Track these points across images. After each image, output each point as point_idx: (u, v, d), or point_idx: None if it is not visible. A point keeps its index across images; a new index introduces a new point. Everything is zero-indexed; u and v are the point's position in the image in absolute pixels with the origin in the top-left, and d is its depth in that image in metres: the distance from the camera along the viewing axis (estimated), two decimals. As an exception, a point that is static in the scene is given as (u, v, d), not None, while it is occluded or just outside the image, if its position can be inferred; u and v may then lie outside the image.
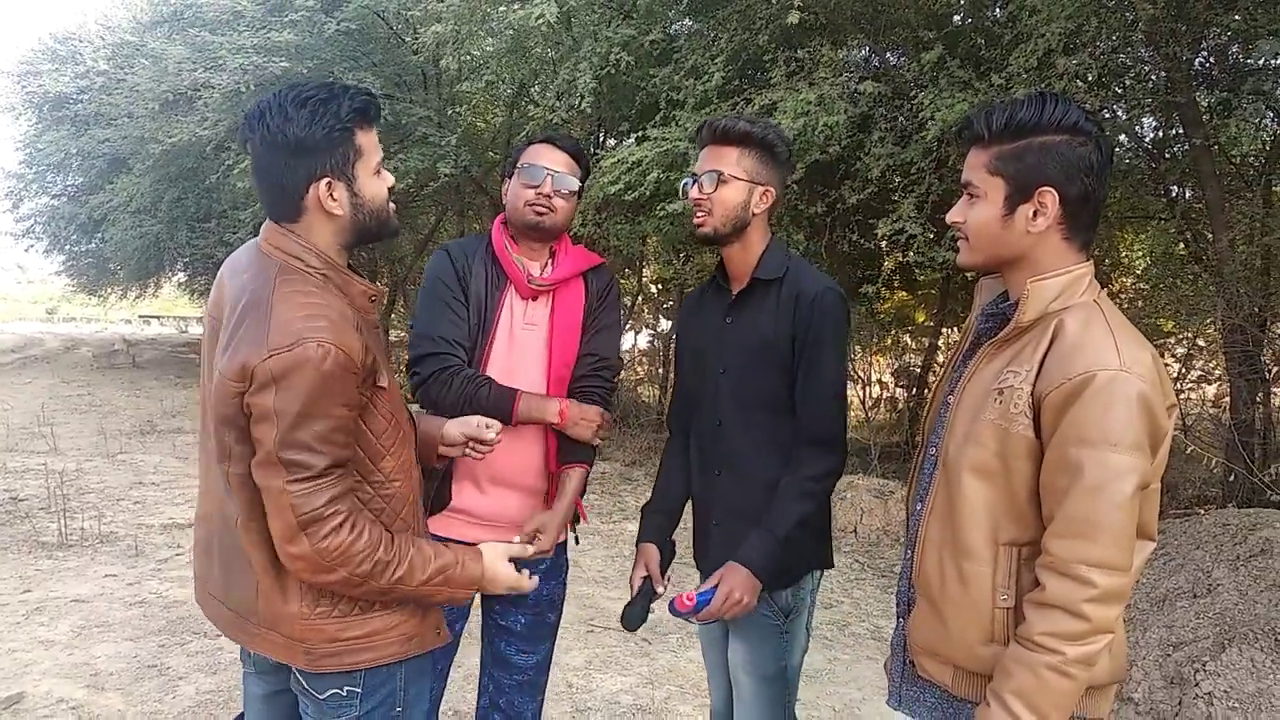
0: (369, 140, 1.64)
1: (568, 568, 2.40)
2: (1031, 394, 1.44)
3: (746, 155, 2.04)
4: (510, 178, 2.27)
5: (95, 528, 5.74)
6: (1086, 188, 1.48)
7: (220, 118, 9.54)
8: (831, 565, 2.20)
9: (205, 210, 13.26)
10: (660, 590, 2.12)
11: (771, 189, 2.06)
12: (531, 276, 2.23)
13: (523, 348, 2.20)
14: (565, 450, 2.21)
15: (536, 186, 2.19)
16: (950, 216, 1.62)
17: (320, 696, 1.65)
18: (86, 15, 17.16)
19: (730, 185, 2.02)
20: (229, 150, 9.86)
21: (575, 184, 2.24)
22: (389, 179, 1.70)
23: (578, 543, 2.42)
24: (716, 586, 1.89)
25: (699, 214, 2.05)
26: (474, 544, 2.03)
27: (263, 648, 1.63)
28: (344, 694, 1.65)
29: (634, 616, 2.07)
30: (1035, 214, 1.49)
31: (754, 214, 2.05)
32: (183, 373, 16.45)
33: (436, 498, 2.13)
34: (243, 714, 1.89)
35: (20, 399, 12.23)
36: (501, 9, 6.84)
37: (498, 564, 1.76)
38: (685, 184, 2.10)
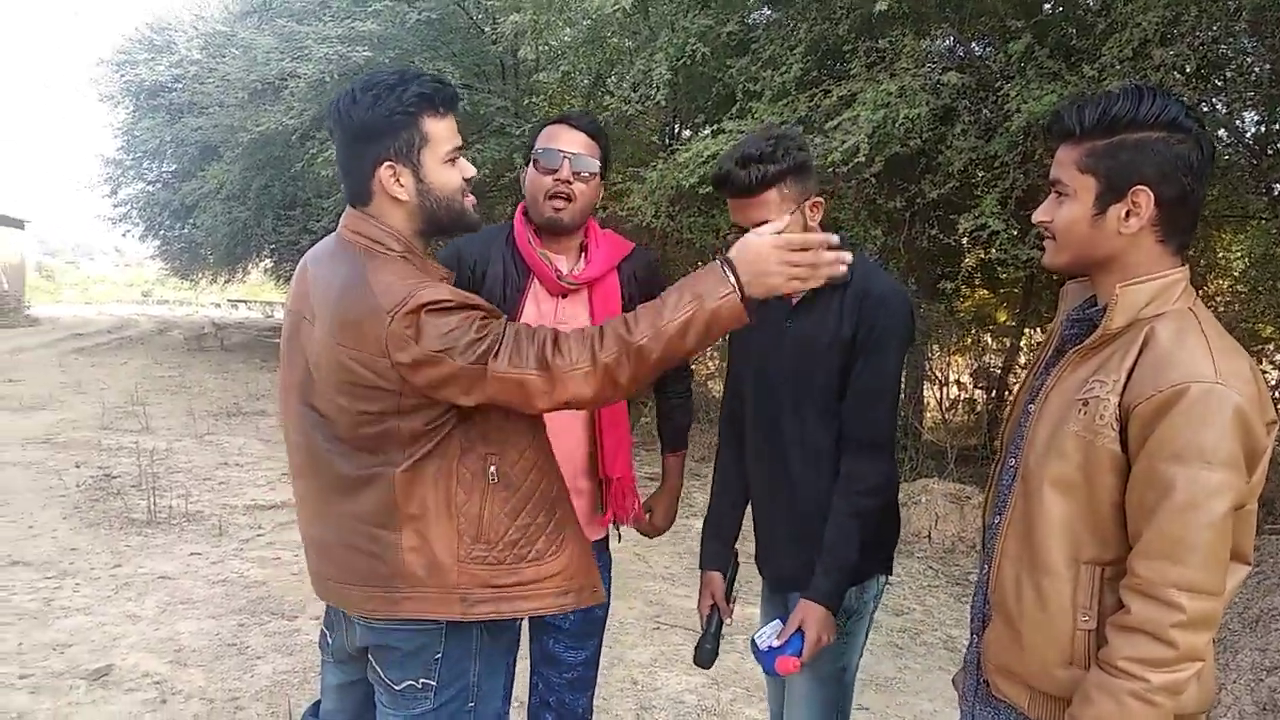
0: (439, 127, 1.65)
1: (611, 563, 2.38)
2: (1119, 405, 1.36)
3: (782, 188, 1.89)
4: (529, 166, 2.18)
5: (183, 506, 5.97)
6: (1184, 188, 1.39)
7: (305, 107, 9.79)
8: (890, 571, 2.16)
9: (290, 198, 13.64)
10: (729, 620, 2.15)
11: (817, 197, 1.96)
12: (560, 273, 2.13)
13: None
14: (666, 438, 2.38)
15: (555, 171, 2.10)
16: (1037, 216, 1.54)
17: (396, 687, 1.69)
18: (180, 5, 17.68)
19: (786, 223, 1.85)
20: (314, 139, 10.10)
21: (595, 165, 2.14)
22: (467, 169, 1.71)
23: (620, 539, 2.40)
24: (799, 632, 1.89)
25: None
26: None
27: (412, 609, 1.63)
28: (419, 686, 1.69)
29: (706, 655, 2.09)
30: (1128, 214, 1.41)
31: (809, 227, 1.93)
32: (268, 356, 16.97)
33: None
34: (319, 701, 1.94)
35: (116, 379, 12.78)
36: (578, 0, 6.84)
37: (750, 244, 1.56)
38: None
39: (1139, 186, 1.40)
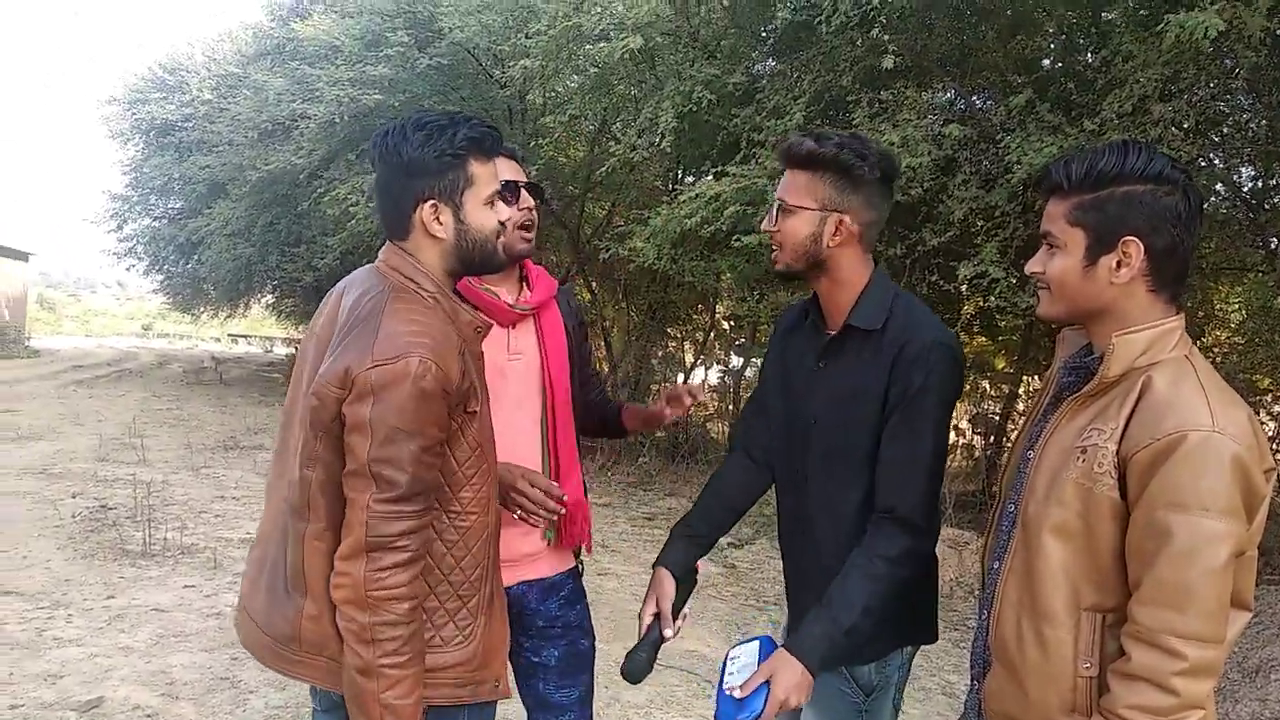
0: (484, 171, 1.67)
1: (585, 594, 2.27)
2: (1117, 453, 1.37)
3: (818, 180, 1.77)
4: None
5: (177, 539, 5.93)
6: (1173, 238, 1.41)
7: (315, 147, 9.92)
8: (933, 639, 1.98)
9: (296, 235, 13.74)
10: (670, 634, 1.89)
11: (848, 216, 1.77)
12: (509, 303, 2.09)
13: (516, 379, 2.09)
14: (612, 411, 2.35)
15: (524, 205, 2.05)
16: (1029, 267, 1.55)
17: None
18: (194, 47, 17.93)
19: (796, 216, 1.79)
20: (321, 178, 10.22)
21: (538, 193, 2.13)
22: (505, 212, 1.73)
23: (582, 573, 2.28)
24: (767, 684, 1.65)
25: (774, 248, 1.84)
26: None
27: (304, 674, 1.60)
28: None
29: (637, 668, 1.84)
30: (1119, 265, 1.43)
31: (828, 246, 1.78)
32: (266, 391, 16.97)
33: None
34: None
35: (114, 410, 12.77)
36: (587, 47, 6.97)
37: None
38: (767, 210, 1.87)
39: (1128, 237, 1.42)
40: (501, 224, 1.72)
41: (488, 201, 1.69)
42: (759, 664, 1.71)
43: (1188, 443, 1.30)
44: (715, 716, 1.71)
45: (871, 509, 1.78)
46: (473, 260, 1.70)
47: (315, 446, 1.54)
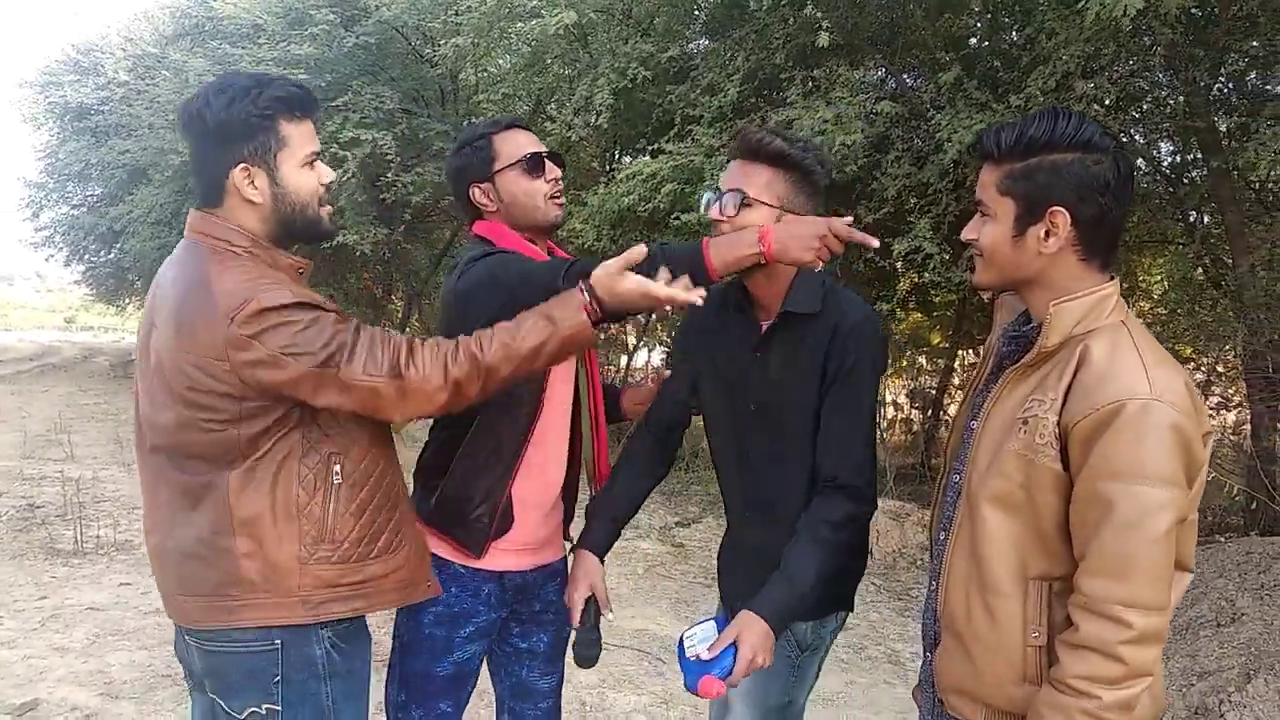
0: (297, 131, 1.64)
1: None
2: (1058, 424, 1.38)
3: (779, 179, 1.83)
4: (488, 180, 2.04)
5: (111, 536, 5.77)
6: (1101, 207, 1.41)
7: (240, 130, 9.62)
8: (852, 608, 2.06)
9: (223, 222, 13.36)
10: (608, 614, 1.95)
11: (798, 215, 1.83)
12: None
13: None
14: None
15: (551, 175, 2.05)
16: (965, 233, 1.56)
17: (239, 716, 1.63)
18: (109, 27, 17.29)
19: (755, 210, 1.81)
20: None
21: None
22: (325, 174, 1.70)
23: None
24: (734, 645, 1.70)
25: (723, 233, 1.82)
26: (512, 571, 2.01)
27: (250, 617, 1.59)
28: (263, 713, 1.62)
29: (589, 650, 1.91)
30: (1047, 234, 1.43)
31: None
32: (197, 383, 16.48)
33: (501, 521, 1.99)
34: None
35: (38, 407, 12.33)
36: (519, 24, 6.89)
37: (616, 280, 1.64)
38: (707, 199, 1.86)
39: (1055, 207, 1.42)
40: (324, 186, 1.70)
41: (306, 163, 1.66)
42: (718, 634, 1.75)
43: (1126, 411, 1.31)
44: (685, 681, 1.74)
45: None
46: (294, 224, 1.67)
47: (233, 411, 1.54)
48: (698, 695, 1.72)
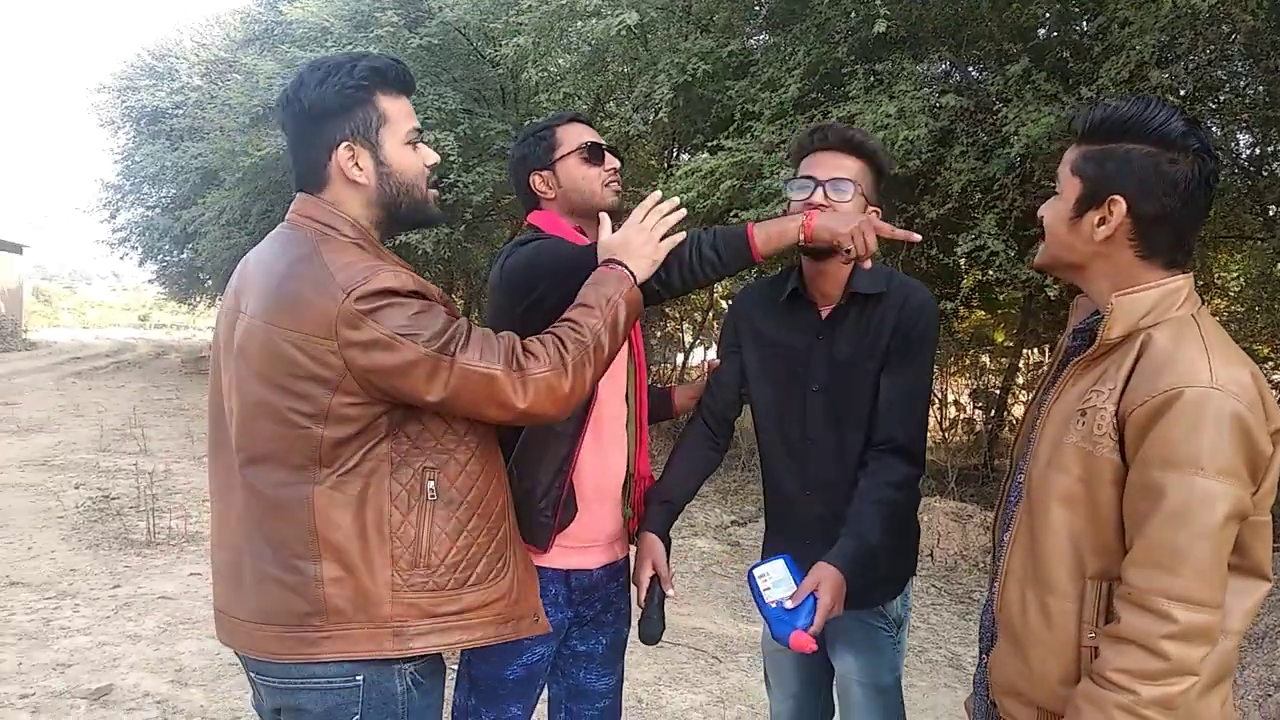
0: (396, 107, 1.57)
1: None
2: (1116, 413, 1.33)
3: (867, 172, 1.96)
4: (549, 169, 2.07)
5: (182, 527, 5.94)
6: (1164, 206, 1.37)
7: (307, 132, 9.82)
8: (915, 573, 2.17)
9: (290, 222, 13.65)
10: (670, 591, 1.99)
11: (879, 211, 1.97)
12: None
13: None
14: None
15: (610, 165, 2.08)
16: (1040, 210, 1.54)
17: None
18: (182, 32, 17.81)
19: (856, 200, 1.92)
20: (314, 164, 10.14)
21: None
22: (429, 155, 1.63)
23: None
24: (813, 595, 1.77)
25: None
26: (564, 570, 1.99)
27: (333, 650, 1.46)
28: None
29: (653, 629, 1.94)
30: (1101, 221, 1.41)
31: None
32: (265, 379, 16.89)
33: (564, 513, 1.98)
34: None
35: (114, 402, 12.76)
36: (579, 23, 6.91)
37: (619, 241, 1.73)
38: (793, 185, 1.95)
39: (1115, 195, 1.39)
40: (429, 167, 1.63)
41: (408, 141, 1.59)
42: (792, 577, 1.82)
43: (1184, 399, 1.26)
44: (772, 631, 1.79)
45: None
46: (399, 207, 1.59)
47: (324, 403, 1.42)
48: (788, 647, 1.76)
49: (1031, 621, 1.43)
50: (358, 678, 1.48)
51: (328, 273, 1.42)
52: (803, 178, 1.95)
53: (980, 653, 1.63)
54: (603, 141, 2.11)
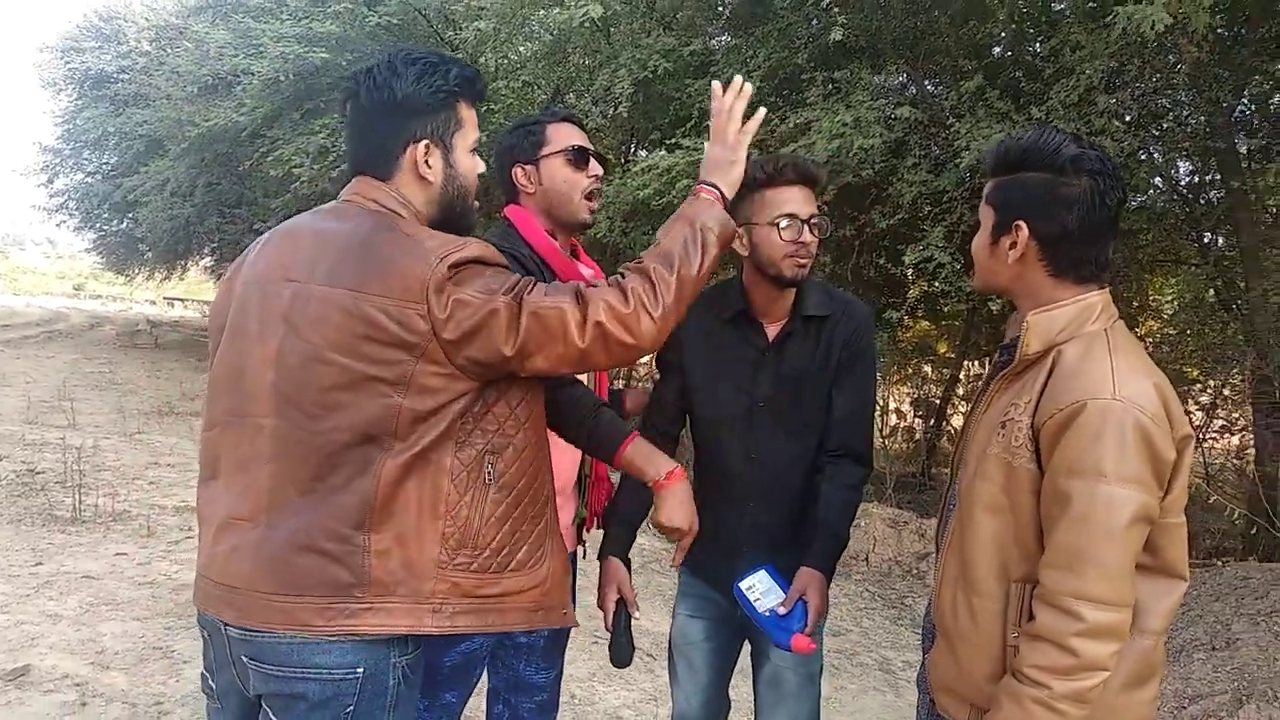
0: (471, 116, 1.64)
1: (576, 578, 2.31)
2: (1031, 425, 1.43)
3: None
4: (533, 163, 2.08)
5: (109, 505, 5.78)
6: (1063, 226, 1.47)
7: (258, 104, 9.63)
8: None
9: (237, 196, 13.38)
10: (636, 614, 2.06)
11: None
12: (587, 275, 2.09)
13: None
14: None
15: (593, 172, 2.09)
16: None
17: None
18: (133, -4, 17.32)
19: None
20: (264, 137, 9.95)
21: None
22: (479, 165, 1.68)
23: (585, 556, 2.32)
24: (801, 601, 1.90)
25: (802, 258, 1.99)
26: None
27: (374, 623, 1.46)
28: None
29: (624, 652, 2.01)
30: (1012, 245, 1.52)
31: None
32: (204, 355, 16.32)
33: None
34: None
35: (43, 373, 12.37)
36: (542, 12, 6.88)
37: (714, 152, 1.73)
38: (786, 224, 1.98)
39: (1019, 220, 1.50)
40: (480, 176, 1.68)
41: (473, 149, 1.65)
42: (777, 585, 1.94)
43: (1087, 411, 1.35)
44: (772, 639, 1.90)
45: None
46: (454, 211, 1.64)
47: (407, 370, 1.43)
48: (790, 651, 1.87)
49: (961, 622, 1.52)
50: (359, 670, 1.49)
51: (417, 241, 1.47)
52: (786, 214, 1.99)
53: (923, 652, 1.73)
54: (591, 147, 2.11)
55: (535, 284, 1.49)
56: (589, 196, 2.09)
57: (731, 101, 1.70)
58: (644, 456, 1.82)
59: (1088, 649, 1.33)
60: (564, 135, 2.10)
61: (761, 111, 1.74)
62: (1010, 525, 1.46)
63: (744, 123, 1.72)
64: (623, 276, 1.52)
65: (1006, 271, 1.55)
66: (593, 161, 2.10)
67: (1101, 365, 1.40)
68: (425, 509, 1.48)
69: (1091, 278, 1.52)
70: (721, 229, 1.61)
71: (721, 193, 1.67)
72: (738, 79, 1.73)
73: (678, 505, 1.80)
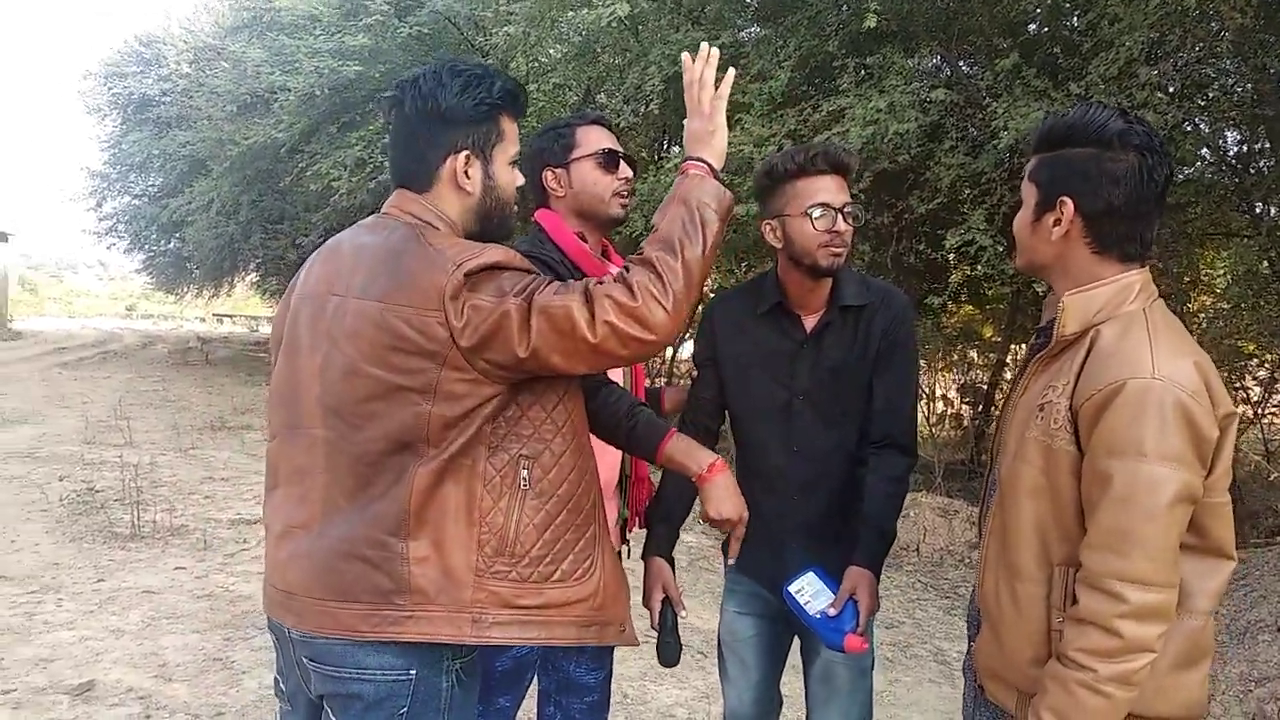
0: (512, 130, 1.65)
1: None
2: (1070, 406, 1.42)
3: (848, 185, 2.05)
4: (563, 167, 2.10)
5: (167, 520, 5.91)
6: (1110, 202, 1.46)
7: (295, 120, 9.79)
8: None
9: (279, 212, 13.61)
10: (683, 613, 2.05)
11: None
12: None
13: None
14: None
15: (623, 174, 2.10)
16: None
17: None
18: (170, 19, 17.71)
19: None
20: (302, 153, 10.10)
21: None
22: (518, 177, 1.69)
23: (629, 555, 2.30)
24: (852, 601, 1.90)
25: (837, 247, 1.98)
26: None
27: (416, 630, 1.47)
28: None
29: (672, 652, 2.00)
30: (1055, 222, 1.50)
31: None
32: (254, 370, 16.88)
33: None
34: None
35: (99, 393, 12.68)
36: (570, 13, 6.88)
37: (694, 126, 1.69)
38: (819, 214, 1.96)
39: (1064, 197, 1.48)
40: (519, 189, 1.69)
41: (512, 162, 1.66)
42: (827, 586, 1.94)
43: (1126, 390, 1.34)
44: (825, 641, 1.91)
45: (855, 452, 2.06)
46: (491, 221, 1.65)
47: (432, 378, 1.44)
48: (843, 652, 1.88)
49: (1004, 607, 1.52)
50: (411, 672, 1.50)
51: (438, 250, 1.48)
52: (819, 204, 1.97)
53: (969, 639, 1.72)
54: (620, 150, 2.11)
55: (548, 283, 1.48)
56: (619, 195, 2.10)
57: (701, 69, 1.67)
58: (684, 452, 1.82)
59: (1133, 631, 1.32)
60: (594, 139, 2.11)
61: (731, 72, 1.70)
62: (1051, 508, 1.45)
63: (716, 88, 1.68)
64: (628, 270, 1.49)
65: (1049, 250, 1.53)
66: (623, 164, 2.11)
67: (1140, 344, 1.39)
68: (460, 515, 1.48)
69: (1135, 256, 1.50)
70: (718, 202, 1.57)
71: (710, 165, 1.64)
72: (704, 45, 1.70)
73: (725, 496, 1.79)
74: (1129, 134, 1.45)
